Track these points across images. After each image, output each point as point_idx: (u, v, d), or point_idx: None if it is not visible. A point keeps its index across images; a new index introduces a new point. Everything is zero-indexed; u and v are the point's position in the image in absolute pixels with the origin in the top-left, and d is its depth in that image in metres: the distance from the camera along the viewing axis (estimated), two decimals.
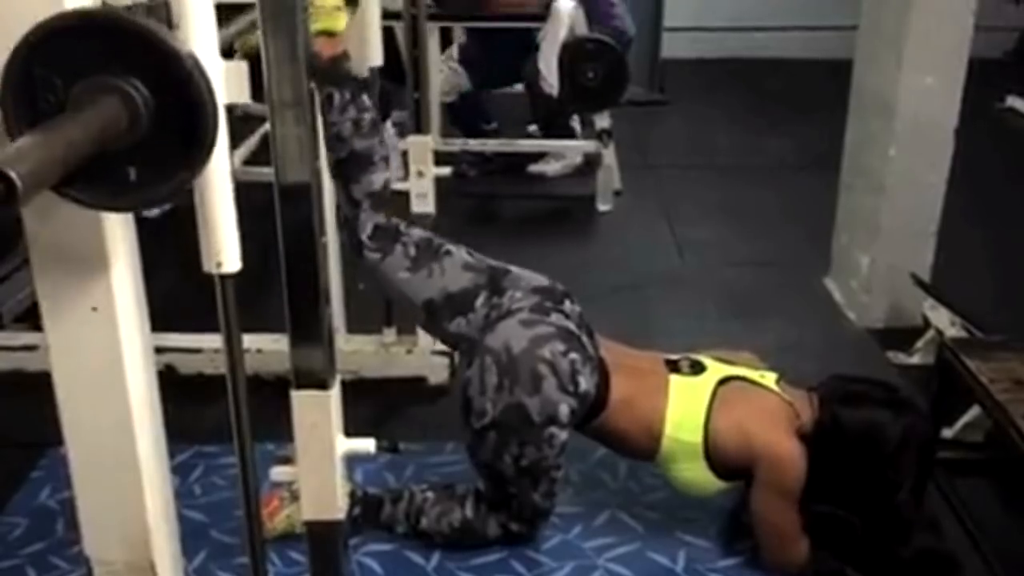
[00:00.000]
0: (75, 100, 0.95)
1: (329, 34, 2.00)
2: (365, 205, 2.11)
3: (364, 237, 2.10)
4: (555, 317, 2.07)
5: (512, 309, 2.06)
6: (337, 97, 2.05)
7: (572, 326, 2.08)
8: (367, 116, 2.09)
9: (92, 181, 0.99)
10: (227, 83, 1.16)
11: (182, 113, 0.98)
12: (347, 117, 2.07)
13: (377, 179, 2.11)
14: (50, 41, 0.95)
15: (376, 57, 2.42)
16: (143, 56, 0.96)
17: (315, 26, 1.92)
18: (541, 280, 2.16)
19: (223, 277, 1.23)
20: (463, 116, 4.68)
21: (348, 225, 2.13)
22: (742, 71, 6.38)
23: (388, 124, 3.83)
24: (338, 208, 2.19)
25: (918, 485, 2.05)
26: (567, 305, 2.12)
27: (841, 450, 2.02)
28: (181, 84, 0.97)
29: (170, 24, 1.09)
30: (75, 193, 1.00)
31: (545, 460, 2.02)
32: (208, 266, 1.23)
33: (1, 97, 0.97)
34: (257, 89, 1.21)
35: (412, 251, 2.12)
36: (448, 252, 2.14)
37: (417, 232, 2.16)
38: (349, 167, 2.08)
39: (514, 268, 2.16)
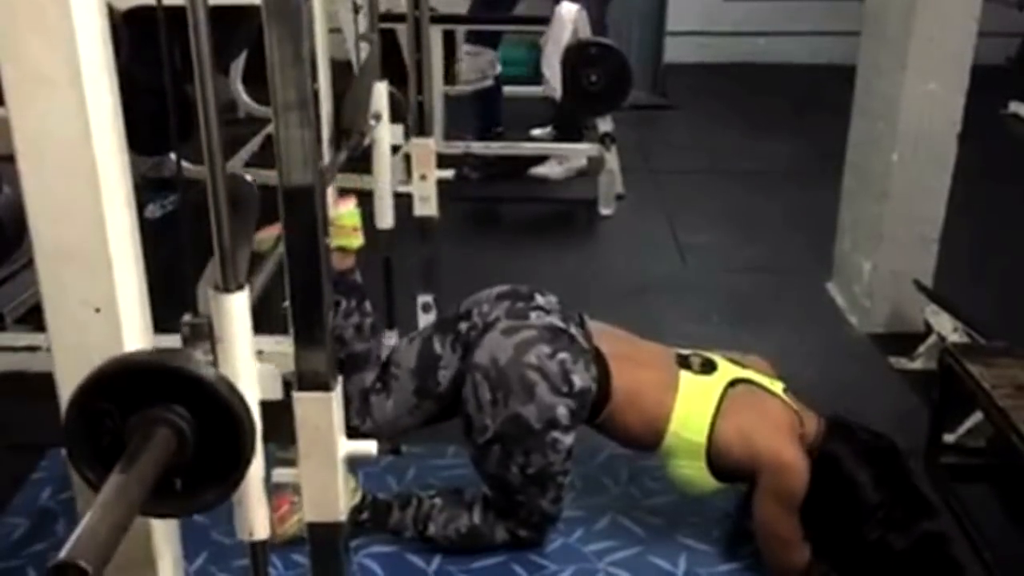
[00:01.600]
0: (131, 431, 1.08)
1: (344, 250, 2.15)
2: (355, 402, 2.14)
3: (355, 422, 2.14)
4: (535, 316, 2.06)
5: (489, 322, 2.07)
6: (343, 304, 2.14)
7: (556, 320, 2.07)
8: (368, 321, 2.20)
9: None
10: (262, 383, 1.31)
11: (223, 432, 1.12)
12: (350, 323, 2.16)
13: (369, 377, 2.19)
14: (109, 380, 1.10)
15: (387, 220, 2.53)
16: (186, 388, 1.10)
17: (333, 242, 2.09)
18: (500, 287, 2.17)
19: (254, 544, 1.36)
20: (488, 105, 4.60)
21: None
22: (745, 76, 6.38)
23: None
24: None
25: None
26: (540, 299, 2.12)
27: (827, 485, 2.03)
28: (221, 412, 1.11)
29: (213, 341, 1.24)
30: None
31: (552, 466, 2.02)
32: (241, 535, 1.35)
33: (67, 426, 1.10)
34: (261, 91, 1.21)
35: (379, 386, 2.17)
36: (393, 350, 2.23)
37: (370, 375, 2.19)
38: (346, 367, 2.12)
39: (463, 301, 2.19)
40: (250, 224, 1.38)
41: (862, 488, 2.00)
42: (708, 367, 2.14)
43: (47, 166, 1.09)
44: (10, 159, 1.11)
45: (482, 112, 4.61)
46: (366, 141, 2.41)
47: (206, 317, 1.25)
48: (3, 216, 2.50)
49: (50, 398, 1.22)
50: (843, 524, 2.01)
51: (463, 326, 2.11)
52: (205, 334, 1.24)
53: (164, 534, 1.30)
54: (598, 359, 2.07)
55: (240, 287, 1.25)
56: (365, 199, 2.37)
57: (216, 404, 1.11)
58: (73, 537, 0.94)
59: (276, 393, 1.32)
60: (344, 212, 2.16)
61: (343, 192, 2.27)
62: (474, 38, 4.51)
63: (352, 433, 1.59)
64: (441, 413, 2.15)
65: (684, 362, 2.14)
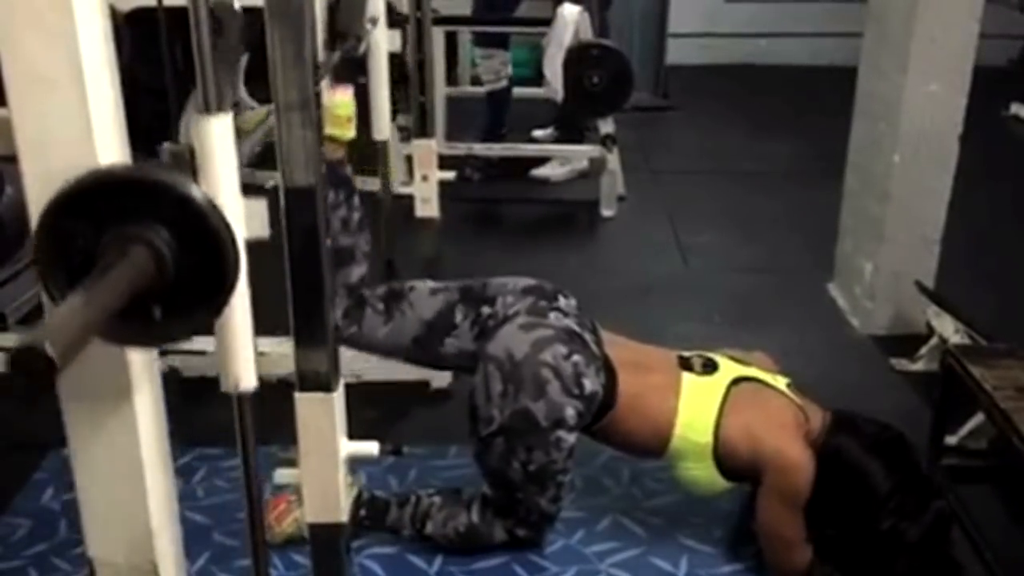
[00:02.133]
0: (105, 249, 1.00)
1: (335, 140, 2.10)
2: (340, 294, 2.13)
3: (339, 321, 2.12)
4: (554, 317, 2.07)
5: (509, 315, 2.07)
6: (331, 196, 2.11)
7: (573, 324, 2.08)
8: (356, 215, 2.17)
9: (117, 321, 1.00)
10: (248, 220, 1.22)
11: (205, 257, 1.03)
12: (338, 215, 2.13)
13: (355, 272, 2.17)
14: (82, 195, 1.01)
15: (384, 130, 2.48)
16: (166, 206, 1.01)
17: (326, 130, 2.02)
18: (528, 280, 2.17)
19: (240, 396, 1.30)
20: (500, 107, 4.60)
21: None
22: (746, 77, 6.38)
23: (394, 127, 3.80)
24: None
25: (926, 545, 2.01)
26: (562, 301, 2.13)
27: (837, 477, 2.03)
28: (202, 231, 1.02)
29: (194, 168, 1.15)
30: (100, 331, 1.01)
31: (553, 464, 2.02)
32: (226, 386, 1.29)
33: (36, 244, 1.03)
34: (263, 91, 1.21)
35: (381, 306, 2.16)
36: (412, 288, 2.19)
37: (380, 288, 2.19)
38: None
39: (493, 279, 2.18)
40: (235, 47, 1.31)
41: (872, 477, 2.00)
42: (710, 367, 2.14)
43: (49, 166, 1.09)
44: (12, 159, 1.11)
45: (493, 114, 4.61)
46: (362, 47, 2.35)
47: (187, 144, 1.18)
48: (5, 216, 2.50)
49: (52, 398, 1.21)
50: (854, 515, 2.01)
51: (485, 310, 2.10)
52: (187, 162, 1.16)
53: (166, 534, 1.29)
54: (606, 366, 2.08)
55: (223, 110, 1.18)
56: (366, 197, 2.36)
57: (200, 225, 1.01)
58: (35, 329, 0.87)
59: (264, 231, 1.24)
60: (339, 101, 2.10)
61: (340, 80, 2.19)
62: (483, 40, 4.52)
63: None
64: (420, 362, 2.21)
65: (686, 364, 2.14)
